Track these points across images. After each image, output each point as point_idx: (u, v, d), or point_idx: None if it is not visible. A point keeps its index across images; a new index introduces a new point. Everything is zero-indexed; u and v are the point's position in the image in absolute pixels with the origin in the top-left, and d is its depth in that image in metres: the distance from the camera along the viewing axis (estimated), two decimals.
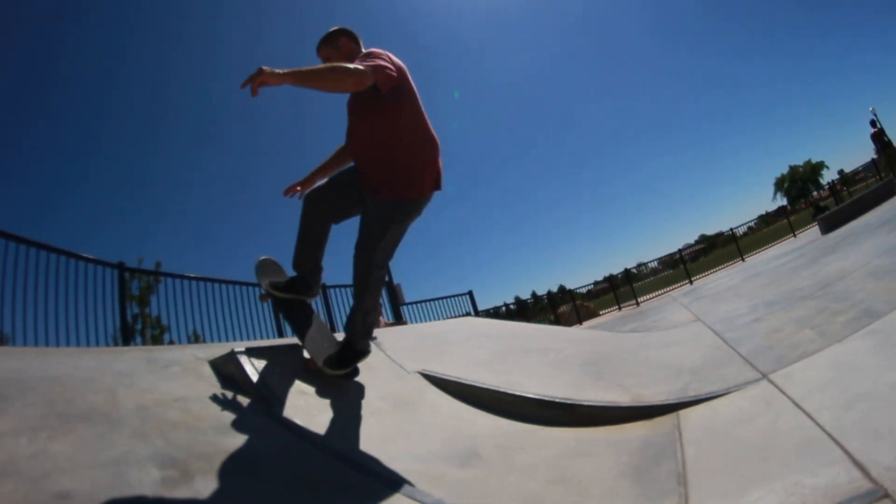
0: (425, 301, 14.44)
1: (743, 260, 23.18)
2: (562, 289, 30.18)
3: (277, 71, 2.39)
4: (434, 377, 3.66)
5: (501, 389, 3.56)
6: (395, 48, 2.96)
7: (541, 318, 24.83)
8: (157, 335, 10.90)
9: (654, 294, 23.95)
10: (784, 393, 2.80)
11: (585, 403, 3.41)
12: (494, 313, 22.66)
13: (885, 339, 2.96)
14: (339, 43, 3.09)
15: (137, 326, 9.53)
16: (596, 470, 2.56)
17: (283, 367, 3.08)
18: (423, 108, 3.01)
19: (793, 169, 67.84)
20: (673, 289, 23.37)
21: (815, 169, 65.94)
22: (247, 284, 9.06)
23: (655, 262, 33.21)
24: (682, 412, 3.14)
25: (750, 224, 33.31)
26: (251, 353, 2.97)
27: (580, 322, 22.70)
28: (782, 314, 4.99)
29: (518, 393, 3.52)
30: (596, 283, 28.05)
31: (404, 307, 13.33)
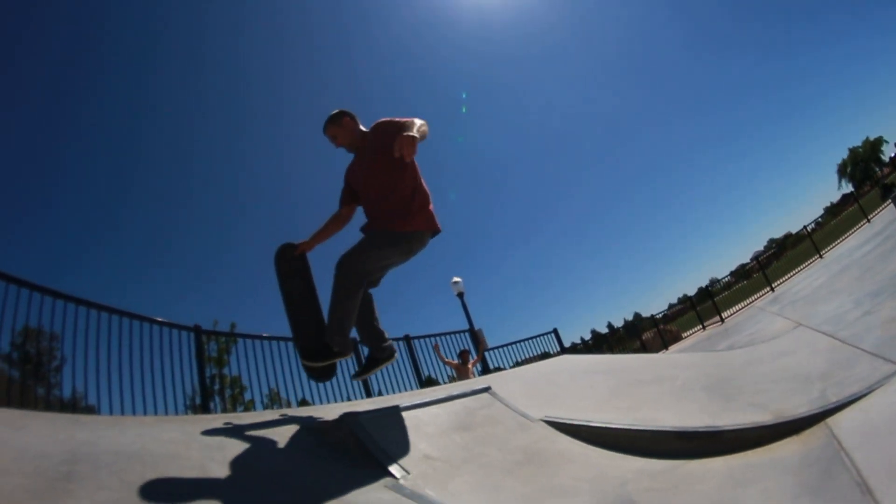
0: (510, 344, 14.05)
1: (821, 257, 21.78)
2: (637, 316, 29.53)
3: (416, 135, 3.08)
4: (560, 423, 3.43)
5: (636, 427, 3.32)
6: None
7: (624, 348, 24.10)
8: (235, 394, 10.93)
9: (735, 309, 22.95)
10: None
11: (728, 428, 3.16)
12: (573, 349, 22.17)
13: None
14: (343, 122, 3.61)
15: (215, 387, 9.56)
16: (766, 497, 2.31)
17: (397, 429, 2.89)
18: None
19: (852, 151, 65.47)
20: (754, 300, 22.32)
21: (874, 146, 63.38)
22: None
23: (728, 276, 32.24)
24: (830, 420, 2.93)
25: (816, 219, 32.01)
26: (366, 416, 2.82)
27: (666, 347, 21.91)
28: (892, 302, 4.91)
29: (656, 428, 3.29)
30: (671, 305, 27.43)
31: (487, 352, 13.06)
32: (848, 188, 61.28)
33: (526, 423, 3.39)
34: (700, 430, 3.19)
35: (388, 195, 3.40)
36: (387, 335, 3.59)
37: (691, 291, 25.24)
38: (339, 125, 3.60)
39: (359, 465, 2.47)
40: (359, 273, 3.28)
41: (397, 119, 3.44)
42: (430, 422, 3.08)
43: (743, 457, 2.88)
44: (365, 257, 3.31)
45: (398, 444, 2.67)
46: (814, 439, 2.80)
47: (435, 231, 3.49)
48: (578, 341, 23.97)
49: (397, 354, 3.70)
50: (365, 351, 3.76)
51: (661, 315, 27.38)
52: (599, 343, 24.56)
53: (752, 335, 9.82)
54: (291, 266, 3.62)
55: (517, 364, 13.24)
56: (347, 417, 2.73)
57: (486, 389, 3.63)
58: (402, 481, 2.33)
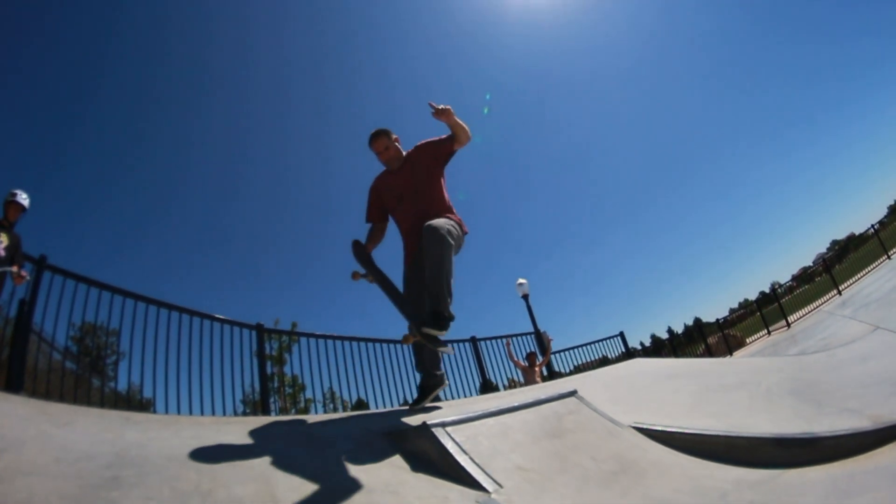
0: (577, 347, 13.81)
1: (889, 258, 20.68)
2: (698, 321, 28.79)
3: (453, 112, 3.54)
4: (652, 430, 3.30)
5: (732, 434, 3.15)
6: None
7: (686, 353, 23.39)
8: (295, 392, 10.97)
9: (801, 313, 22.07)
10: None
11: (826, 435, 3.06)
12: (636, 353, 21.76)
13: None
14: (394, 137, 3.88)
15: (274, 385, 9.60)
16: None
17: (485, 437, 2.66)
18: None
19: None
20: (821, 303, 21.45)
21: None
22: (380, 341, 8.99)
23: (790, 280, 31.13)
24: None
25: (881, 220, 30.55)
26: (450, 424, 2.59)
27: (730, 352, 21.25)
28: None
29: (752, 435, 3.13)
30: (731, 310, 26.58)
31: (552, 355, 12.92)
32: None
33: (616, 430, 3.24)
34: (798, 436, 3.07)
35: (436, 204, 3.72)
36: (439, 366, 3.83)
37: (752, 296, 24.33)
38: (390, 139, 3.86)
39: (446, 478, 2.28)
40: (453, 239, 3.43)
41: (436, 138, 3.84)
42: (518, 428, 2.87)
43: (842, 465, 2.76)
44: (451, 229, 3.45)
45: (488, 455, 2.48)
46: None
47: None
48: (639, 346, 23.44)
49: (447, 382, 3.91)
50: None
51: (723, 320, 26.59)
52: (659, 348, 24.06)
53: (824, 340, 9.44)
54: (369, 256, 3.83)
55: (577, 369, 13.00)
56: (431, 424, 2.52)
57: (573, 393, 3.49)
58: (494, 496, 2.15)
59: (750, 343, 22.33)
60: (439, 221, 3.42)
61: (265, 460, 2.10)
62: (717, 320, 25.50)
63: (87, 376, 6.78)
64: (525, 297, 13.52)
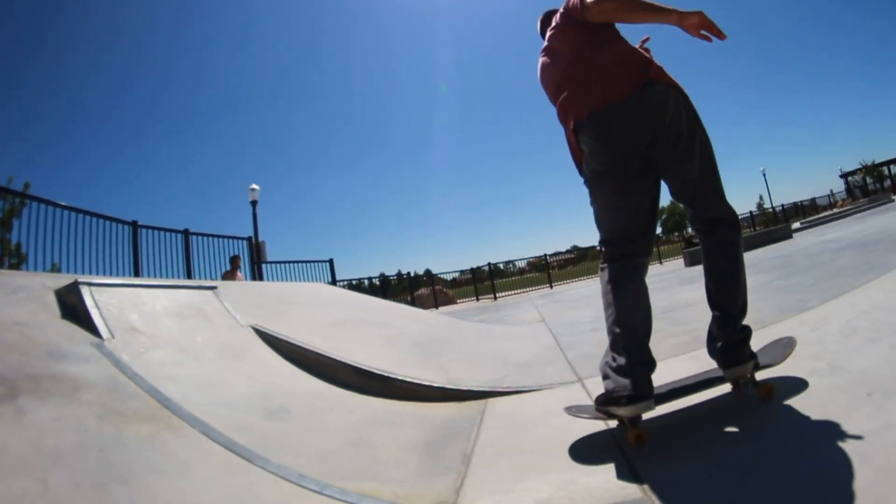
0: (286, 262, 14.30)
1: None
2: (428, 272, 30.89)
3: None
4: (265, 334, 3.87)
5: (325, 353, 3.75)
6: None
7: (398, 298, 24.62)
8: (14, 265, 10.23)
9: (514, 291, 25.08)
10: (590, 397, 2.93)
11: (401, 378, 3.62)
12: (357, 286, 22.81)
13: (701, 364, 2.98)
14: None
15: None
16: (393, 439, 2.72)
17: (127, 304, 3.22)
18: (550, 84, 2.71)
19: (673, 204, 73.26)
20: (533, 290, 24.62)
21: None
22: (103, 217, 8.78)
23: (524, 263, 34.76)
24: (492, 400, 3.36)
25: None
26: (96, 286, 3.11)
27: (437, 307, 23.11)
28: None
29: (338, 358, 3.72)
30: (462, 272, 28.79)
31: (266, 265, 13.31)
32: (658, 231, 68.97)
33: (235, 326, 3.86)
34: (375, 371, 3.65)
35: None
36: None
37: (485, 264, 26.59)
38: None
39: (81, 325, 2.82)
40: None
41: None
42: (148, 303, 3.46)
43: (404, 405, 3.37)
44: None
45: (116, 315, 3.04)
46: (468, 410, 3.22)
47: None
48: (364, 278, 24.55)
49: None
50: None
51: (450, 278, 29.09)
52: (384, 287, 25.35)
53: (506, 316, 10.55)
54: None
55: None
56: (79, 283, 3.03)
57: (213, 288, 3.99)
58: (105, 343, 2.72)
59: (459, 303, 24.84)
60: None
61: None
62: (434, 275, 27.87)
63: None
64: (254, 203, 13.46)
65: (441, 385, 3.61)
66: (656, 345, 3.62)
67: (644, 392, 2.11)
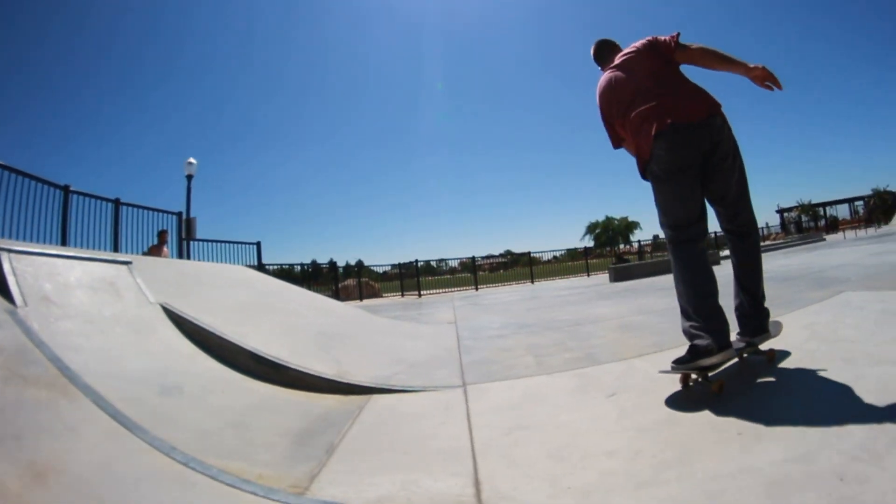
0: (213, 241, 14.13)
1: (532, 283, 25.64)
2: (359, 264, 31.06)
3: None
4: (172, 312, 4.05)
5: (226, 337, 3.93)
6: None
7: (324, 287, 24.83)
8: None
9: (440, 290, 25.57)
10: (467, 403, 3.18)
11: (293, 367, 3.79)
12: (287, 271, 22.67)
13: (587, 382, 3.32)
14: None
15: None
16: (272, 425, 2.91)
17: (43, 273, 3.39)
18: (622, 101, 3.31)
19: (609, 219, 75.30)
20: (459, 290, 25.16)
21: (629, 226, 74.02)
22: (51, 185, 8.80)
23: (456, 263, 35.28)
24: (376, 396, 3.53)
25: (556, 254, 36.61)
26: (16, 253, 3.27)
27: (361, 299, 23.35)
28: (524, 338, 5.53)
29: (238, 343, 3.89)
30: (393, 265, 28.98)
31: (193, 242, 13.19)
32: (590, 243, 70.29)
33: (144, 302, 4.06)
34: (269, 358, 3.83)
35: None
36: None
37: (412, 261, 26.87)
38: None
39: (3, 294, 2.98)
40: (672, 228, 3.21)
41: None
42: (63, 273, 3.65)
43: (292, 393, 3.55)
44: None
45: (30, 283, 3.22)
46: (350, 404, 3.38)
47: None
48: (296, 263, 24.38)
49: None
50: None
51: (381, 271, 29.37)
52: (315, 275, 25.27)
53: (423, 314, 10.81)
54: None
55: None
56: (1, 249, 3.18)
57: (128, 263, 4.20)
58: (18, 310, 2.90)
59: (385, 297, 25.32)
60: None
61: None
62: (366, 267, 28.07)
63: None
64: (189, 177, 13.34)
65: (330, 377, 3.78)
66: (548, 357, 4.21)
67: (727, 343, 2.79)
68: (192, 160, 13.35)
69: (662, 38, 3.18)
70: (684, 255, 3.00)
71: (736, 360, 3.12)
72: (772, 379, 2.86)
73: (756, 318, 3.17)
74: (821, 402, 2.39)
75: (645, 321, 5.76)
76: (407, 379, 3.93)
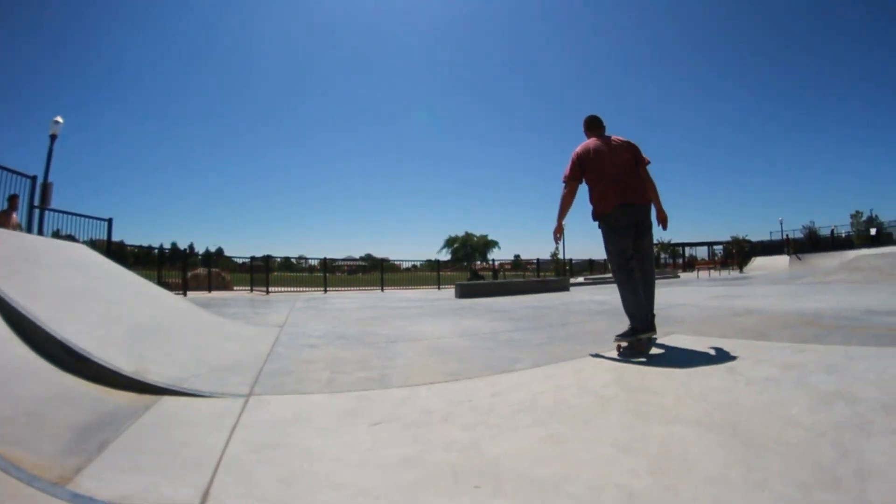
0: (63, 213, 13.24)
1: (382, 290, 26.04)
2: (219, 252, 30.26)
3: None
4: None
5: (39, 323, 3.83)
6: None
7: (173, 274, 23.23)
8: None
9: (290, 289, 25.19)
10: (240, 415, 3.20)
11: (96, 360, 3.75)
12: (145, 252, 21.87)
13: (363, 406, 3.39)
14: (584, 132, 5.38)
15: None
16: (64, 416, 2.93)
17: None
18: (604, 164, 4.96)
19: (468, 235, 77.87)
20: (309, 291, 25.17)
21: (487, 244, 77.05)
22: None
23: (316, 262, 35.42)
24: (166, 397, 3.56)
25: (416, 263, 38.35)
26: None
27: (210, 290, 22.57)
28: (335, 350, 5.60)
29: (49, 330, 3.80)
30: (253, 258, 28.14)
31: (47, 212, 12.19)
32: (447, 256, 72.41)
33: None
34: (77, 350, 3.76)
35: None
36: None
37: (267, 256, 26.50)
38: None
39: None
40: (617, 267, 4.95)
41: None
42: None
43: (92, 387, 3.53)
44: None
45: None
46: (140, 401, 3.43)
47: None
48: (158, 246, 23.26)
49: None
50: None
51: (241, 263, 29.15)
52: (162, 257, 24.06)
53: (259, 314, 10.53)
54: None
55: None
56: None
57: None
58: None
59: (234, 291, 24.56)
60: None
61: None
62: (226, 257, 27.29)
63: None
64: (52, 137, 12.40)
65: (126, 374, 3.75)
66: (343, 374, 4.37)
67: (653, 327, 4.69)
68: (58, 119, 12.58)
69: (643, 154, 5.00)
70: (627, 277, 4.67)
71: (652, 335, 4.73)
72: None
73: (650, 317, 4.71)
74: None
75: (458, 344, 5.91)
76: (200, 383, 3.92)
